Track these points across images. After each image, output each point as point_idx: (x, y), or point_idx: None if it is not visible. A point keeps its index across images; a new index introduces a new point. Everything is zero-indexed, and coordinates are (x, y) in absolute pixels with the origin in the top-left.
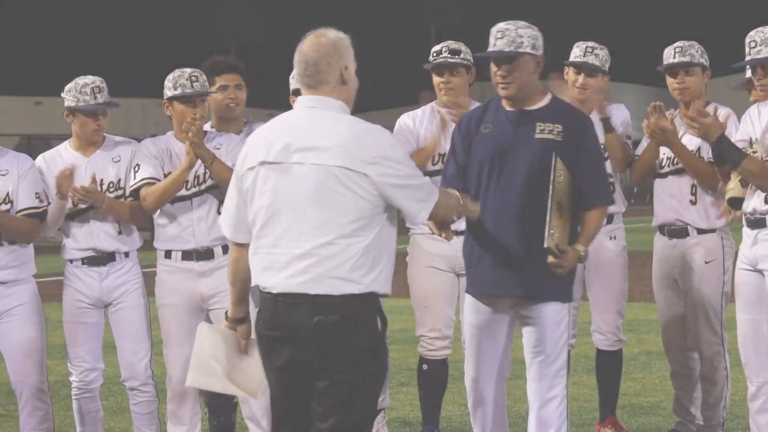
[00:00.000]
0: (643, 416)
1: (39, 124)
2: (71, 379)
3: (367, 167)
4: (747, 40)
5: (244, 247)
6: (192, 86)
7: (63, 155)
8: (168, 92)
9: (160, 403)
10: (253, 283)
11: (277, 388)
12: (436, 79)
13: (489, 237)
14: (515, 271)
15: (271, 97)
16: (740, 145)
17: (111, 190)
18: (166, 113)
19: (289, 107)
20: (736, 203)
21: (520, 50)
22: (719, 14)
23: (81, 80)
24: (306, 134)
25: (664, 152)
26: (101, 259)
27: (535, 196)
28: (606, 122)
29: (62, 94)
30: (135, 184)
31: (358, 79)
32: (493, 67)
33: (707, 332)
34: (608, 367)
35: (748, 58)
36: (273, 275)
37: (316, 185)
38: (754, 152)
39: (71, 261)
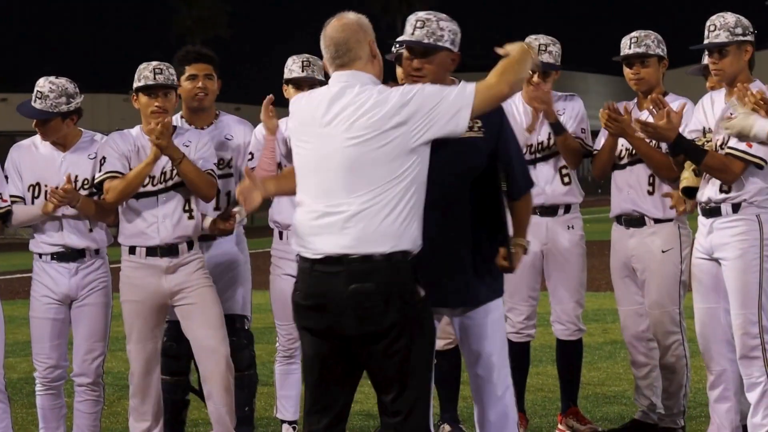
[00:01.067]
0: (607, 405)
1: (4, 121)
2: (35, 375)
3: (399, 115)
4: (707, 23)
5: None
6: (155, 78)
7: (39, 147)
8: (134, 84)
9: (106, 404)
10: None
11: (310, 360)
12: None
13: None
14: (447, 281)
15: (236, 91)
16: (693, 135)
17: (85, 186)
18: (135, 106)
19: (258, 100)
20: (690, 193)
21: (440, 44)
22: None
23: (41, 82)
24: (341, 102)
25: (623, 143)
26: (71, 255)
27: (460, 200)
28: (555, 126)
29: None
30: (99, 177)
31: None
32: (407, 58)
33: (666, 321)
34: (568, 357)
35: (706, 41)
36: (312, 241)
37: (352, 148)
38: (708, 141)
39: (40, 255)
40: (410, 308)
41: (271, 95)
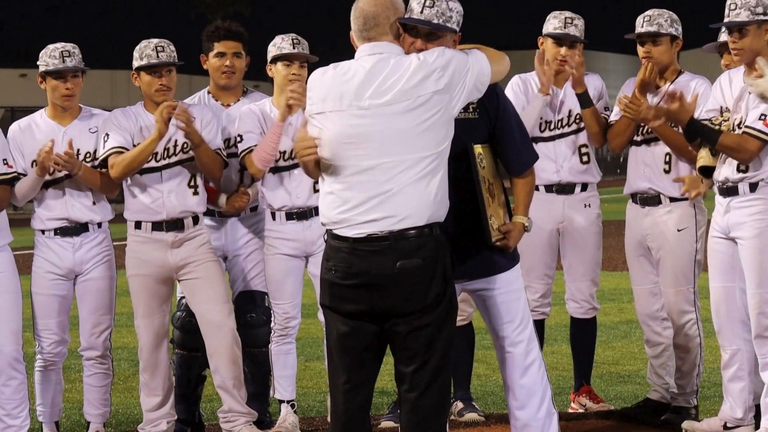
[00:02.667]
0: (620, 385)
1: (24, 97)
2: (37, 350)
3: (442, 77)
4: (728, 1)
5: None
6: (158, 56)
7: (39, 124)
8: (135, 62)
9: (116, 379)
10: (325, 226)
11: (345, 339)
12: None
13: None
14: (461, 253)
15: (255, 69)
16: (711, 115)
17: (87, 160)
18: (135, 84)
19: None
20: (707, 172)
21: (448, 25)
22: None
23: (52, 45)
24: (375, 78)
25: None
26: (74, 229)
27: (465, 177)
28: (583, 96)
29: (37, 62)
30: (104, 153)
31: (338, 50)
32: (411, 36)
33: (680, 300)
34: (582, 335)
35: (726, 20)
36: (348, 212)
37: (397, 119)
38: (725, 120)
39: (43, 231)
40: (448, 283)
41: (270, 74)
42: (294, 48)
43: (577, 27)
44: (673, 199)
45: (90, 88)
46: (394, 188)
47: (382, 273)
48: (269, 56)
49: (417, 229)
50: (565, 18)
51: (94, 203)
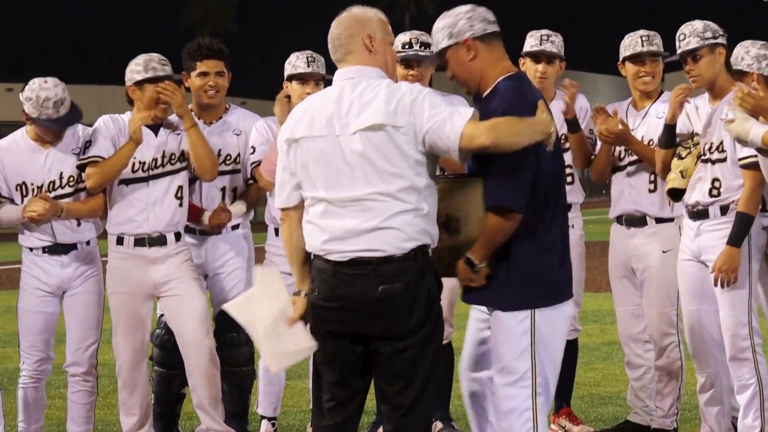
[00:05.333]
0: (602, 406)
1: (11, 111)
2: (22, 367)
3: (405, 118)
4: (677, 34)
5: (294, 217)
6: (163, 69)
7: (21, 145)
8: (137, 75)
9: (98, 396)
10: (309, 250)
11: (329, 358)
12: (402, 71)
13: None
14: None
15: (242, 85)
16: (679, 140)
17: (71, 183)
18: (132, 96)
19: (264, 95)
20: (677, 194)
21: (435, 49)
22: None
23: (43, 93)
24: (349, 98)
25: None
26: (63, 248)
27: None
28: (573, 122)
29: (21, 97)
30: (82, 160)
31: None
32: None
33: (663, 323)
34: (563, 356)
35: (678, 51)
36: (330, 244)
37: (363, 151)
38: (695, 145)
39: (31, 249)
40: (433, 307)
41: (286, 89)
42: (308, 66)
43: (553, 43)
44: (658, 220)
45: (76, 103)
46: (372, 212)
47: (364, 297)
48: (285, 74)
49: (401, 254)
50: (541, 35)
51: (78, 224)
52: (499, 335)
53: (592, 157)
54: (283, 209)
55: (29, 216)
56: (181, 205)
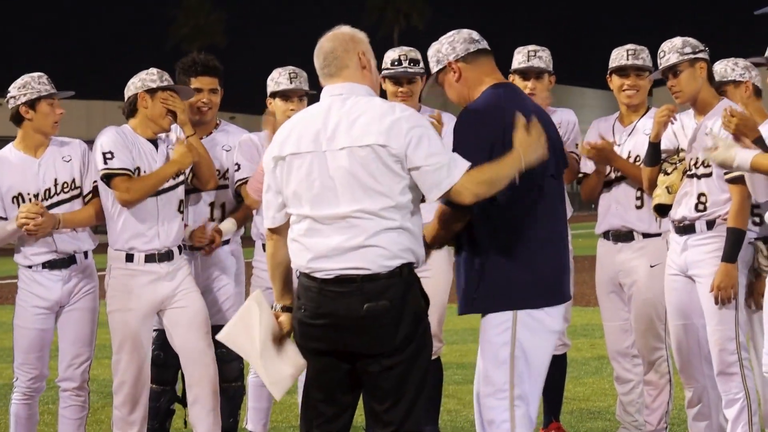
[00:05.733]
0: (591, 421)
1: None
2: (15, 383)
3: (398, 141)
4: (658, 51)
5: (281, 235)
6: (170, 81)
7: (10, 158)
8: (152, 84)
9: (90, 411)
10: (294, 268)
11: (317, 375)
12: (392, 88)
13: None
14: (458, 282)
15: (231, 100)
16: (664, 155)
17: (66, 190)
18: (140, 105)
19: (253, 109)
20: (663, 210)
21: (421, 72)
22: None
23: (31, 75)
24: (337, 114)
25: None
26: (62, 261)
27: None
28: None
29: (12, 92)
30: (111, 170)
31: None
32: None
33: (651, 337)
34: (552, 371)
35: (660, 68)
36: (315, 262)
37: (349, 168)
38: (681, 161)
39: (29, 266)
40: (419, 323)
41: (270, 107)
42: (291, 83)
43: (541, 59)
44: (646, 235)
45: (65, 118)
46: (357, 230)
47: (349, 315)
48: (268, 90)
49: (386, 272)
50: (528, 51)
51: (74, 230)
52: (481, 345)
53: (580, 174)
54: (269, 229)
55: (23, 223)
56: (182, 219)
